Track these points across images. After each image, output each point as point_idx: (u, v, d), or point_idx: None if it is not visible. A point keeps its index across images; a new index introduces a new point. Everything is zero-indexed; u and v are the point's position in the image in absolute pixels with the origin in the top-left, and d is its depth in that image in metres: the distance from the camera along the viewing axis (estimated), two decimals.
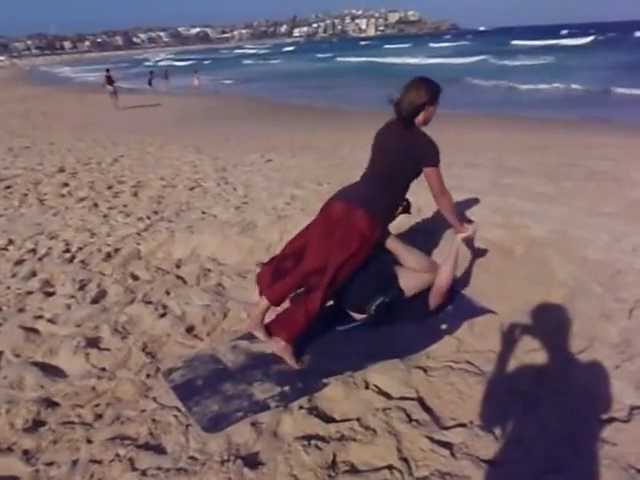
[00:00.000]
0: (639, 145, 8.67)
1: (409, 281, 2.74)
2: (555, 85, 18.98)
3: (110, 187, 6.12)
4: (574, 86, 18.43)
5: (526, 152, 8.10)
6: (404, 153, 2.59)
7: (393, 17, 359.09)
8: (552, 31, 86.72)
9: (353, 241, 2.48)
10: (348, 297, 2.71)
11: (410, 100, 2.57)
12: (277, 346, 2.49)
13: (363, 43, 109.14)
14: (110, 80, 20.04)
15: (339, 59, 47.81)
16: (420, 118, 2.60)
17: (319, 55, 60.02)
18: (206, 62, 49.97)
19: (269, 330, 2.57)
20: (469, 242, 3.09)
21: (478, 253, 3.52)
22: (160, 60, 65.15)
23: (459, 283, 3.26)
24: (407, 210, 3.07)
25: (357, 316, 2.72)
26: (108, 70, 20.93)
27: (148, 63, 58.89)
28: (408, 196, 2.82)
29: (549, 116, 13.40)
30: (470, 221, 2.96)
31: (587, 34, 57.63)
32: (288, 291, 2.55)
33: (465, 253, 3.39)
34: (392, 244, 2.81)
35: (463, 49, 44.93)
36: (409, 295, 2.74)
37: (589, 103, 15.00)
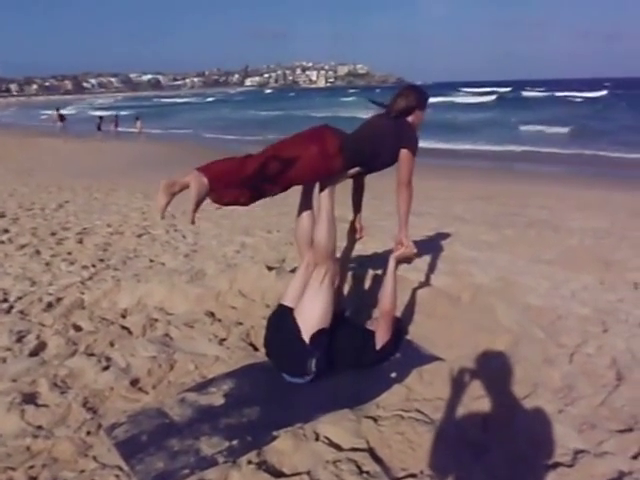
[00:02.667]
0: (572, 195, 9.22)
1: (310, 313, 2.60)
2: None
3: (54, 234, 5.93)
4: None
5: (470, 201, 8.44)
6: (389, 128, 2.69)
7: (342, 70, 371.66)
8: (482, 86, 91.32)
9: (313, 145, 2.46)
10: (285, 370, 2.72)
11: (399, 105, 2.74)
12: (191, 175, 2.24)
13: (291, 94, 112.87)
14: (61, 117, 24.63)
15: (252, 111, 48.36)
16: (409, 120, 2.76)
17: (227, 108, 58.26)
18: (143, 110, 49.03)
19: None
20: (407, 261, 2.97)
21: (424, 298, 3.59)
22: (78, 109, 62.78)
23: (407, 330, 3.30)
24: (355, 230, 3.13)
25: (305, 378, 2.69)
26: (58, 109, 25.93)
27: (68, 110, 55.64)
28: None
29: (491, 167, 14.10)
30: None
31: (491, 93, 60.53)
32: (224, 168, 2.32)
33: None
34: (325, 197, 2.65)
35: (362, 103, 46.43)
36: (321, 324, 2.60)
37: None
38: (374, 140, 2.67)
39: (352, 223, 3.14)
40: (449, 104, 43.28)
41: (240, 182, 2.33)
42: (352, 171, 2.67)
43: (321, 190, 2.67)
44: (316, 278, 2.64)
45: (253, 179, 2.35)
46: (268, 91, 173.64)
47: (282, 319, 2.71)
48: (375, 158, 2.70)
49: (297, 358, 2.63)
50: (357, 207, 3.12)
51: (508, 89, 72.58)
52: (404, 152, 2.67)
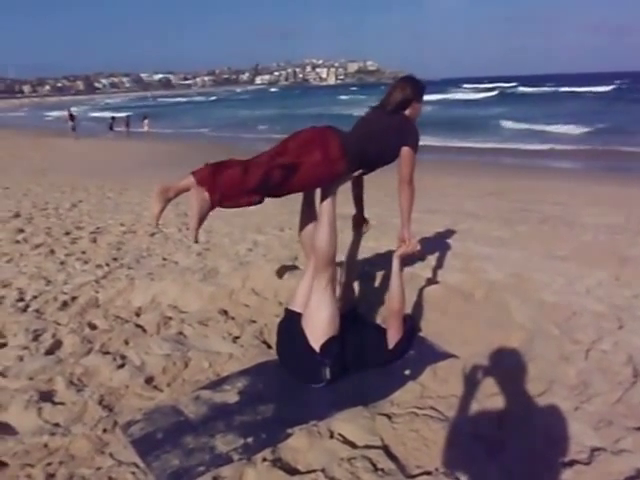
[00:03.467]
0: (585, 190, 9.12)
1: (317, 321, 2.58)
2: None
3: (68, 233, 5.99)
4: None
5: (482, 197, 8.38)
6: (388, 124, 2.63)
7: (352, 67, 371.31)
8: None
9: (316, 151, 2.39)
10: (300, 379, 2.70)
11: (395, 98, 2.67)
12: (192, 189, 2.19)
13: (296, 92, 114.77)
14: (72, 117, 26.50)
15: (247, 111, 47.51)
16: (407, 114, 2.70)
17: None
18: (147, 110, 48.49)
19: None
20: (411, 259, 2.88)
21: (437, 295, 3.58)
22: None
23: (421, 327, 3.29)
24: (360, 225, 3.07)
25: (320, 384, 2.68)
26: (69, 109, 29.15)
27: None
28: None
29: (500, 162, 14.04)
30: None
31: (492, 89, 59.78)
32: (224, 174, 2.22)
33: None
34: (327, 201, 2.59)
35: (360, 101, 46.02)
36: (330, 332, 2.59)
37: None
38: (375, 138, 2.62)
39: (355, 218, 3.10)
40: (449, 101, 42.88)
41: (243, 194, 2.28)
42: (355, 173, 2.63)
43: (323, 193, 2.62)
44: (319, 285, 2.60)
45: (257, 189, 2.30)
46: (273, 89, 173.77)
47: (291, 327, 2.70)
48: (377, 157, 2.65)
49: (310, 368, 2.63)
50: (359, 202, 3.08)
51: (512, 84, 72.09)
52: (405, 150, 2.62)
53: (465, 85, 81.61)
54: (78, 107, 65.31)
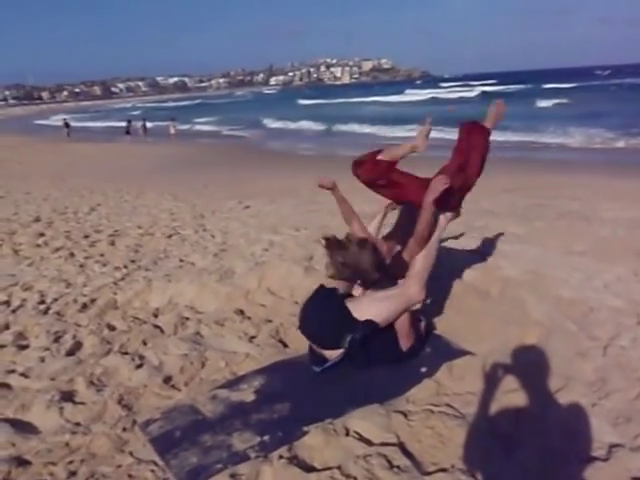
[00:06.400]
0: (604, 184, 8.99)
1: (375, 307, 2.67)
2: None
3: (87, 236, 6.08)
4: None
5: (498, 194, 8.32)
6: None
7: (367, 65, 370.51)
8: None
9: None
10: (318, 337, 2.71)
11: None
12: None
13: (290, 93, 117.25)
14: (67, 125, 30.80)
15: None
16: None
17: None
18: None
19: None
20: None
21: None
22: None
23: (437, 325, 3.28)
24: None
25: (331, 355, 2.68)
26: (65, 119, 33.40)
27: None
28: None
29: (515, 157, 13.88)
30: None
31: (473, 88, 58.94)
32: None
33: None
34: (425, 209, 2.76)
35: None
36: (376, 318, 2.65)
37: None
38: None
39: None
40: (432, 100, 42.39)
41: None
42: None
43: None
44: (401, 291, 2.75)
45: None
46: (268, 91, 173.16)
47: (334, 295, 2.74)
48: None
49: (336, 330, 2.64)
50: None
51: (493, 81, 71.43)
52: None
53: (444, 84, 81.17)
54: (57, 117, 63.48)
